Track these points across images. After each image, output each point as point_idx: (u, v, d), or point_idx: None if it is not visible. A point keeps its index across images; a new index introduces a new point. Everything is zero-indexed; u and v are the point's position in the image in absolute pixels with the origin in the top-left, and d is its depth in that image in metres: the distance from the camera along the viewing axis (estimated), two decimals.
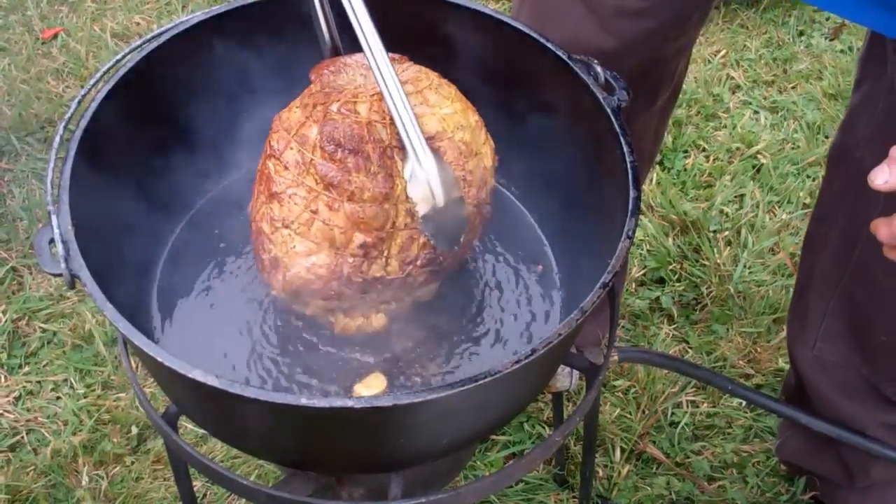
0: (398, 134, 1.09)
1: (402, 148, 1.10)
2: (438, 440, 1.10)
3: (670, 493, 1.98)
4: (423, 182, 1.11)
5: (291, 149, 1.12)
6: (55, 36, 2.88)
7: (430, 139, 1.11)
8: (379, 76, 1.07)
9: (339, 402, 0.93)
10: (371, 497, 1.31)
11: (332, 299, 1.20)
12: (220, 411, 1.09)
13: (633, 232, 1.07)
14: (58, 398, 2.08)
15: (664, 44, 1.53)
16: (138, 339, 0.98)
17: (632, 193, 1.10)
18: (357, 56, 1.15)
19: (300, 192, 1.12)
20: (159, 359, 0.96)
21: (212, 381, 0.94)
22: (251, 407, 0.98)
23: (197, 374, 0.95)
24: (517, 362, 0.96)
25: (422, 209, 1.13)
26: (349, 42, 1.10)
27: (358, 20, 1.05)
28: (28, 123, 2.62)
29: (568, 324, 1.00)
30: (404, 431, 1.04)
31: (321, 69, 1.16)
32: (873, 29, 1.35)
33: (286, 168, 1.12)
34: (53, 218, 1.04)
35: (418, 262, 1.19)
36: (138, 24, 2.94)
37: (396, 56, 1.16)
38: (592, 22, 1.43)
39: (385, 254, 1.16)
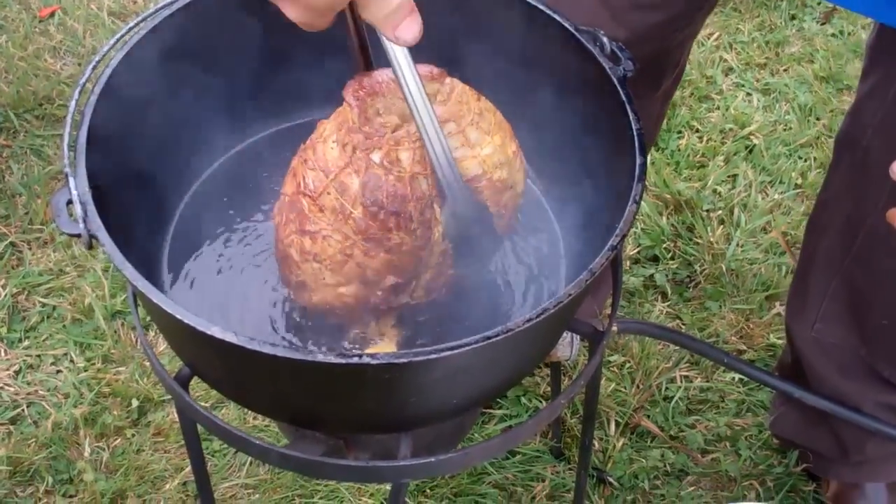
0: (438, 182, 1.08)
1: (441, 195, 1.10)
2: (449, 399, 1.12)
3: (665, 466, 2.01)
4: (459, 224, 1.13)
5: (329, 194, 1.09)
6: (52, 14, 2.89)
7: (468, 181, 1.11)
8: (423, 131, 1.04)
9: (355, 359, 0.96)
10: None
11: (355, 321, 1.22)
12: (236, 369, 1.11)
13: (640, 197, 1.09)
14: (58, 371, 2.10)
15: (673, 34, 1.55)
16: (156, 297, 0.99)
17: (638, 160, 1.12)
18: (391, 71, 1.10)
19: (336, 237, 1.10)
20: (178, 315, 0.98)
21: (230, 337, 0.96)
22: (267, 364, 1.00)
23: (216, 331, 0.96)
24: (529, 320, 0.98)
25: (455, 245, 1.15)
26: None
27: (402, 70, 1.01)
28: (26, 100, 2.63)
29: (578, 284, 1.02)
30: (417, 389, 1.06)
31: (356, 91, 1.10)
32: (881, 21, 1.37)
33: (322, 211, 1.10)
34: (71, 180, 1.06)
35: (444, 290, 1.21)
36: (135, 1, 2.95)
37: (436, 72, 1.13)
38: (604, 13, 1.45)
39: (413, 286, 1.18)
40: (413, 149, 1.08)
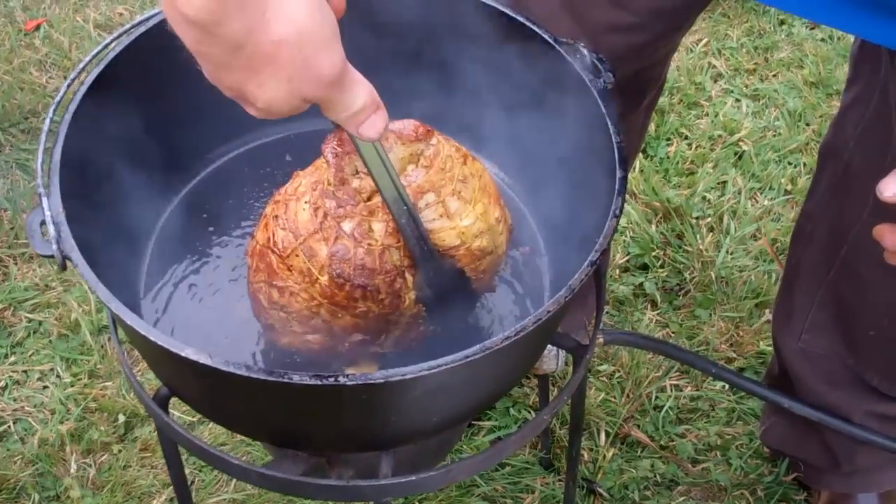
0: (410, 253, 1.08)
1: (415, 266, 1.09)
2: (429, 417, 1.11)
3: (655, 476, 2.00)
4: (433, 290, 1.12)
5: (297, 256, 1.07)
6: (38, 27, 2.88)
7: (445, 251, 1.10)
8: (392, 208, 1.04)
9: (330, 381, 0.95)
10: (361, 478, 1.32)
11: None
12: (212, 391, 1.10)
13: (620, 211, 1.09)
14: (44, 387, 2.08)
15: (653, 54, 1.54)
16: (130, 319, 0.98)
17: (618, 173, 1.12)
18: None
19: (303, 295, 1.09)
20: (151, 337, 0.97)
21: (204, 359, 0.95)
22: (243, 385, 0.99)
23: (189, 353, 0.95)
24: (507, 338, 0.97)
25: (428, 308, 1.15)
26: None
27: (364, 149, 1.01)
28: (11, 114, 2.61)
29: (557, 301, 1.01)
30: (396, 408, 1.05)
31: (334, 148, 1.07)
32: (865, 38, 1.35)
33: (290, 270, 1.09)
34: (44, 200, 1.05)
35: (414, 344, 1.19)
36: (121, 14, 2.93)
37: (421, 130, 1.10)
38: (582, 36, 1.43)
39: (382, 340, 1.17)
40: (387, 220, 1.06)
